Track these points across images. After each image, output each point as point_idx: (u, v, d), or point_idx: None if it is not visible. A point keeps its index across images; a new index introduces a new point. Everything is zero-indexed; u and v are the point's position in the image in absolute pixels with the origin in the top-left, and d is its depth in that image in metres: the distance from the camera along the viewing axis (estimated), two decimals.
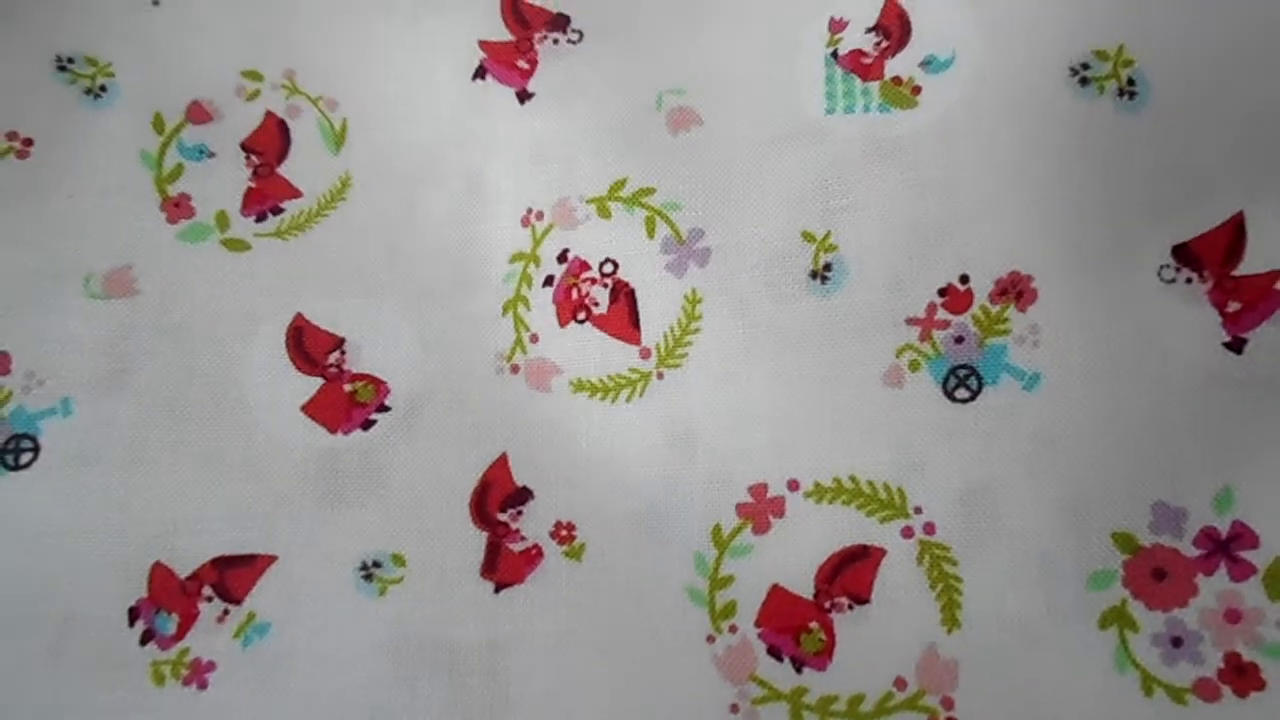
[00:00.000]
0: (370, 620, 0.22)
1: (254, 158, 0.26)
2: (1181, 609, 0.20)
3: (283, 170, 0.26)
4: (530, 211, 0.24)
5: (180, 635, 0.22)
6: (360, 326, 0.25)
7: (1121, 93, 0.21)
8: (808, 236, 0.22)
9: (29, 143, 0.25)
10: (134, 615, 0.23)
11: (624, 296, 0.23)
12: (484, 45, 0.25)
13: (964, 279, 0.21)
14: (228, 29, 0.26)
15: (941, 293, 0.22)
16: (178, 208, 0.26)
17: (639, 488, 0.22)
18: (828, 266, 0.22)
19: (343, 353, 0.24)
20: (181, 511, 0.23)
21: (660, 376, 0.22)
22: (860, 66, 0.22)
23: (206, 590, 0.23)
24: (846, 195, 0.22)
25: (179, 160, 0.26)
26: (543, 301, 0.24)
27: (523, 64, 0.25)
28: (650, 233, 0.23)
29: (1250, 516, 0.20)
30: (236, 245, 0.25)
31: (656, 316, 0.23)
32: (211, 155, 0.26)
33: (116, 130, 0.26)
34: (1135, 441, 0.21)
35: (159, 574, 0.23)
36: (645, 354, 0.23)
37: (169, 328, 0.24)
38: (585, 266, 0.23)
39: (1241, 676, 0.19)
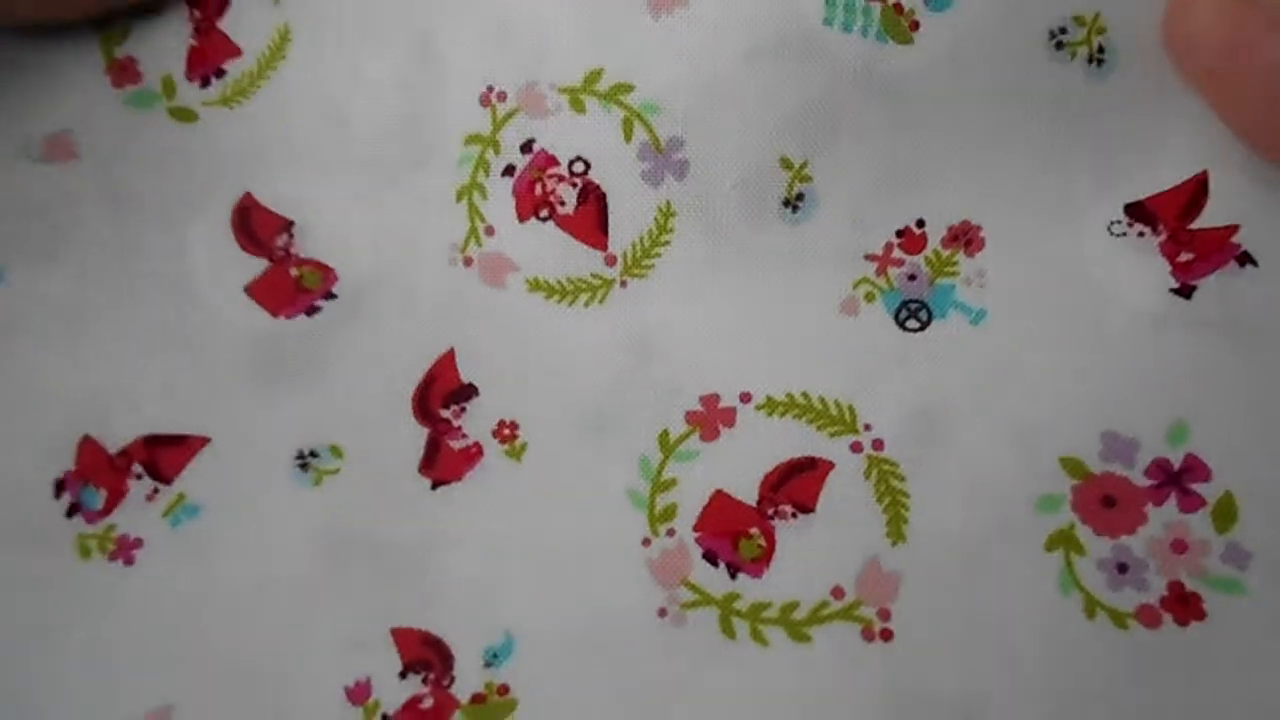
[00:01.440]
0: (303, 510, 0.22)
1: (195, 11, 0.25)
2: (1129, 536, 0.20)
3: (222, 24, 0.25)
4: (491, 90, 0.24)
5: (108, 511, 0.22)
6: (309, 207, 0.24)
7: (1091, 59, 0.22)
8: (785, 163, 0.23)
9: None
10: (60, 487, 0.22)
11: (594, 199, 0.23)
12: None
13: (920, 223, 0.23)
14: None
15: (899, 233, 0.23)
16: (124, 71, 0.25)
17: (588, 391, 0.22)
18: (800, 196, 0.23)
19: (290, 235, 0.24)
20: (114, 386, 0.23)
21: (624, 285, 0.23)
22: None
23: (136, 468, 0.22)
24: (828, 125, 0.23)
25: (127, 21, 0.26)
26: (501, 192, 0.23)
27: None
28: (627, 136, 0.23)
29: (1204, 450, 0.20)
30: (184, 115, 0.25)
31: (626, 224, 0.23)
32: (156, 13, 0.26)
33: None
34: (1082, 376, 0.21)
35: (88, 448, 0.22)
36: (611, 260, 0.23)
37: (110, 198, 0.24)
38: (553, 161, 0.23)
39: (1184, 605, 0.19)
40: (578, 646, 0.20)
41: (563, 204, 0.23)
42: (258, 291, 0.24)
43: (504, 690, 0.20)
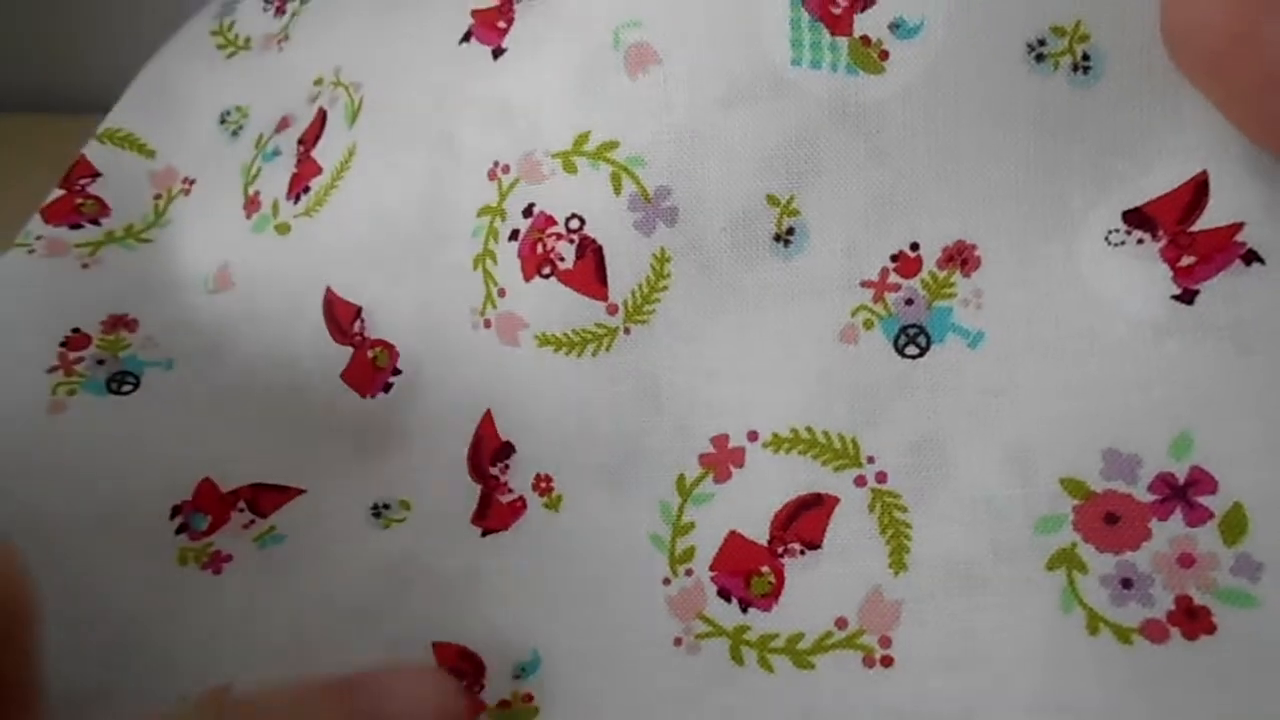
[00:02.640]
0: (371, 543, 0.25)
1: (300, 147, 0.30)
2: (1133, 552, 0.20)
3: (315, 152, 0.30)
4: (497, 165, 0.26)
5: (210, 532, 0.26)
6: (368, 293, 0.28)
7: (1076, 68, 0.22)
8: (772, 200, 0.23)
9: (190, 181, 0.34)
10: (176, 511, 0.26)
11: (591, 252, 0.24)
12: (474, 13, 0.27)
13: (914, 246, 0.23)
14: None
15: (894, 258, 0.23)
16: (252, 204, 0.31)
17: (608, 440, 0.24)
18: (790, 230, 0.23)
19: (362, 321, 0.28)
20: (238, 449, 0.27)
21: (628, 332, 0.24)
22: (829, 16, 0.22)
23: (241, 504, 0.27)
24: (810, 159, 0.23)
25: (260, 164, 0.31)
26: (509, 256, 0.25)
27: (501, 24, 0.26)
28: (617, 189, 0.24)
29: (1210, 462, 0.20)
30: (282, 229, 0.30)
31: (624, 273, 0.24)
32: (278, 154, 0.31)
33: (241, 154, 0.33)
34: (1081, 393, 0.21)
35: (205, 486, 0.27)
36: (613, 310, 0.24)
37: (251, 316, 0.29)
38: (551, 221, 0.25)
39: (1192, 620, 0.20)
40: (598, 665, 0.22)
41: (562, 260, 0.25)
42: (349, 377, 0.28)
43: (528, 698, 0.22)
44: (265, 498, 0.26)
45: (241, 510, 0.26)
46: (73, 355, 0.29)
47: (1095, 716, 0.19)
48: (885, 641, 0.21)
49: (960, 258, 0.23)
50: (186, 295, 0.31)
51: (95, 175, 0.34)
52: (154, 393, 0.28)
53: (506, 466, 0.25)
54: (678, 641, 0.22)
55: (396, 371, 0.27)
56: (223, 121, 0.34)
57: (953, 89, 0.22)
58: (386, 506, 0.26)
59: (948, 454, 0.22)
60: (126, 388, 0.28)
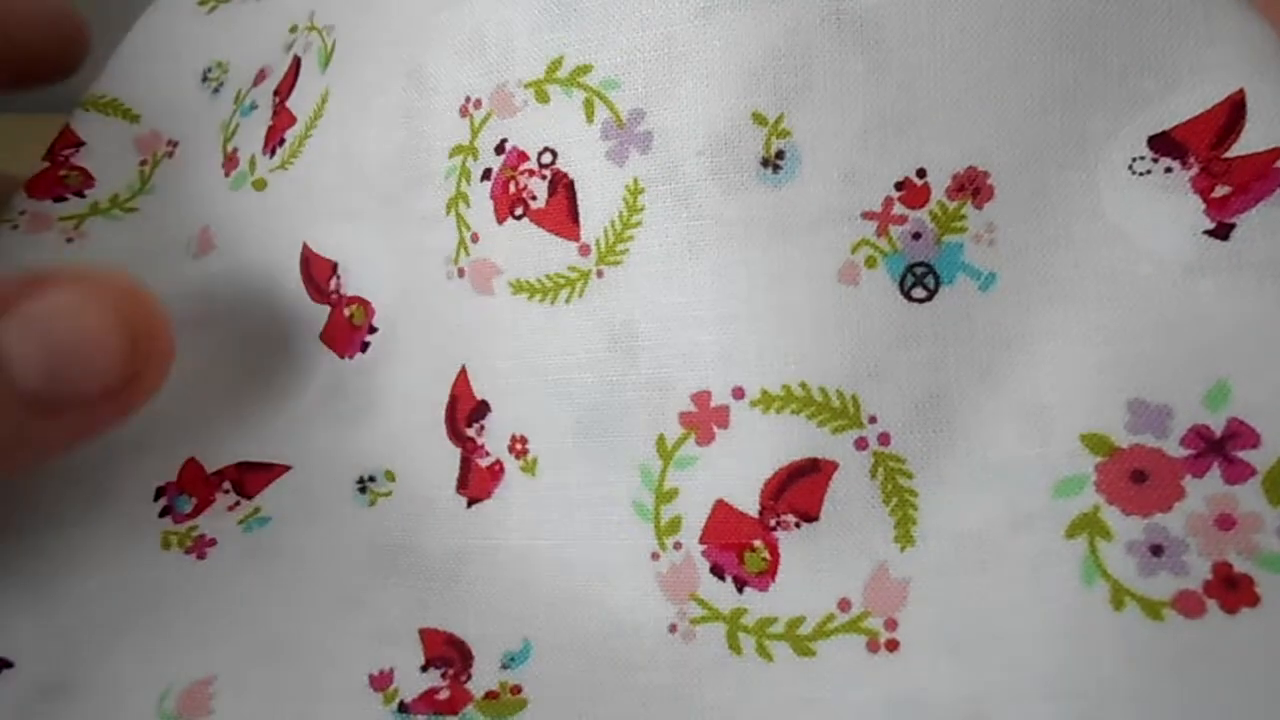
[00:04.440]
0: (356, 525, 0.24)
1: (276, 98, 0.28)
2: (1164, 514, 0.19)
3: (289, 103, 0.28)
4: (469, 100, 0.24)
5: (194, 515, 0.26)
6: (344, 247, 0.26)
7: None
8: (758, 119, 0.21)
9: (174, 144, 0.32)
10: (160, 493, 0.26)
11: (563, 188, 0.22)
12: None
13: (920, 173, 0.21)
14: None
15: (898, 186, 0.21)
16: (230, 161, 0.29)
17: (582, 396, 0.22)
18: (780, 154, 0.21)
19: (338, 277, 0.26)
20: (225, 424, 0.27)
21: (600, 275, 0.22)
22: None
23: (226, 485, 0.26)
24: (801, 73, 0.20)
25: (237, 120, 0.30)
26: (481, 197, 0.23)
27: None
28: (589, 117, 0.22)
29: (1250, 412, 0.19)
30: (259, 185, 0.28)
31: (597, 210, 0.22)
32: (255, 108, 0.29)
33: (221, 111, 0.31)
34: (1102, 340, 0.20)
35: (190, 466, 0.26)
36: (584, 250, 0.22)
37: (235, 279, 0.28)
38: (523, 157, 0.23)
39: (1232, 590, 0.18)
40: (590, 656, 0.21)
41: (534, 198, 0.23)
42: (327, 337, 0.26)
43: (516, 690, 0.21)
44: (251, 478, 0.26)
45: (227, 491, 0.26)
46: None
47: (1122, 702, 0.18)
48: (891, 624, 0.20)
49: (972, 186, 0.20)
50: (172, 263, 0.30)
51: (79, 145, 0.32)
52: None
53: (482, 427, 0.24)
54: (673, 628, 0.21)
55: (373, 329, 0.26)
56: (204, 79, 0.33)
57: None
58: (372, 479, 0.25)
59: (956, 412, 0.20)
60: None
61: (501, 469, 0.23)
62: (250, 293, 0.28)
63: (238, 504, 0.25)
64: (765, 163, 0.21)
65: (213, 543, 0.25)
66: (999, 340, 0.20)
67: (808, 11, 0.20)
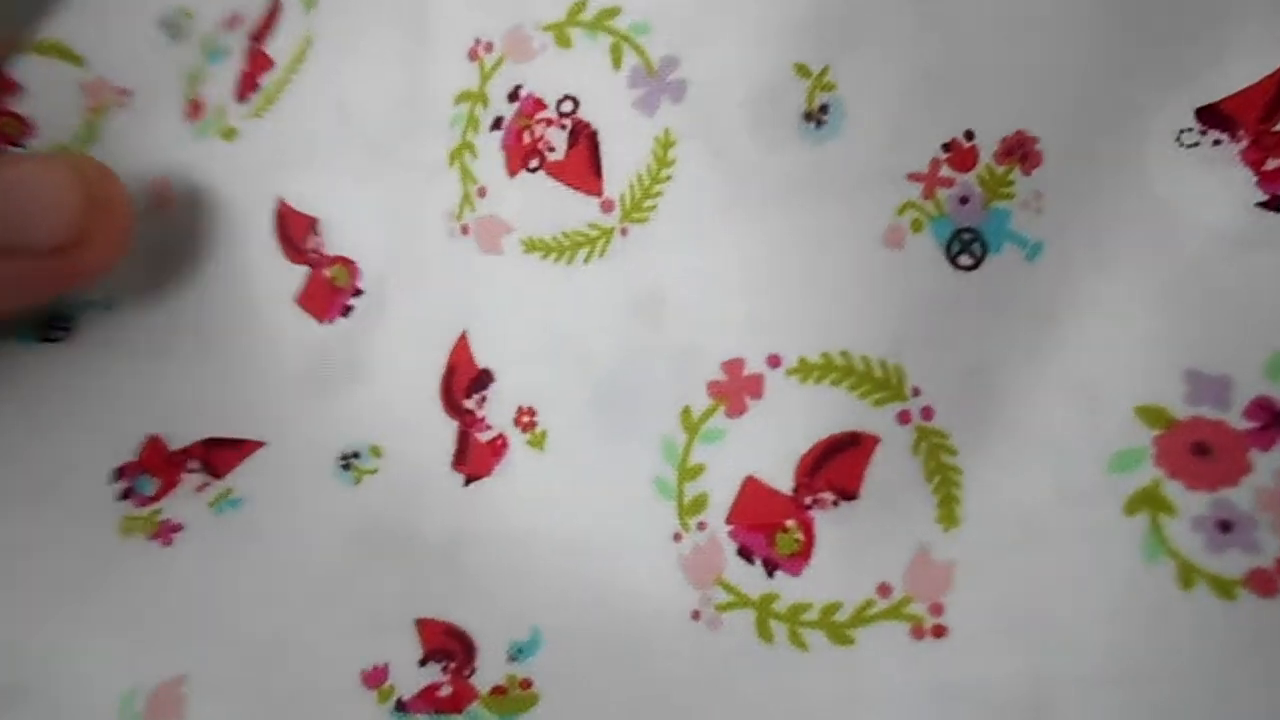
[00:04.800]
0: (342, 507, 0.23)
1: (251, 42, 0.26)
2: (1231, 488, 0.17)
3: (267, 46, 0.26)
4: (479, 43, 0.22)
5: (158, 497, 0.24)
6: (325, 202, 0.24)
7: None
8: (801, 70, 0.20)
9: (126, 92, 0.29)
10: (119, 474, 0.24)
11: (584, 139, 0.21)
12: None
13: (969, 134, 0.20)
14: None
15: (946, 148, 0.20)
16: (195, 109, 0.27)
17: (601, 364, 0.21)
18: (824, 108, 0.20)
19: (318, 235, 0.24)
20: (184, 395, 0.25)
21: (624, 233, 0.21)
22: None
23: (193, 463, 0.24)
24: (849, 23, 0.19)
25: (205, 67, 0.28)
26: (491, 147, 0.22)
27: None
28: (616, 63, 0.21)
29: None
30: (228, 134, 0.26)
31: (622, 162, 0.21)
32: (226, 53, 0.27)
33: (184, 59, 0.28)
34: (1154, 312, 0.19)
35: (152, 445, 0.24)
36: (607, 206, 0.21)
37: (197, 232, 0.26)
38: (540, 105, 0.21)
39: None
40: (606, 646, 0.20)
41: (552, 150, 0.21)
42: (305, 300, 0.25)
43: (526, 684, 0.20)
44: (220, 455, 0.24)
45: (194, 470, 0.24)
46: None
47: (1194, 686, 0.17)
48: (936, 609, 0.18)
49: (1020, 151, 0.19)
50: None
51: (16, 90, 0.29)
52: (92, 338, 0.26)
53: (484, 398, 0.22)
54: (696, 615, 0.20)
55: (358, 292, 0.24)
56: (164, 26, 0.30)
57: None
58: (356, 455, 0.23)
59: (1001, 384, 0.19)
60: (59, 333, 0.26)
61: (505, 443, 0.22)
62: (215, 251, 0.26)
63: (207, 484, 0.23)
64: (808, 117, 0.20)
65: (179, 528, 0.23)
66: (1046, 311, 0.19)
67: None
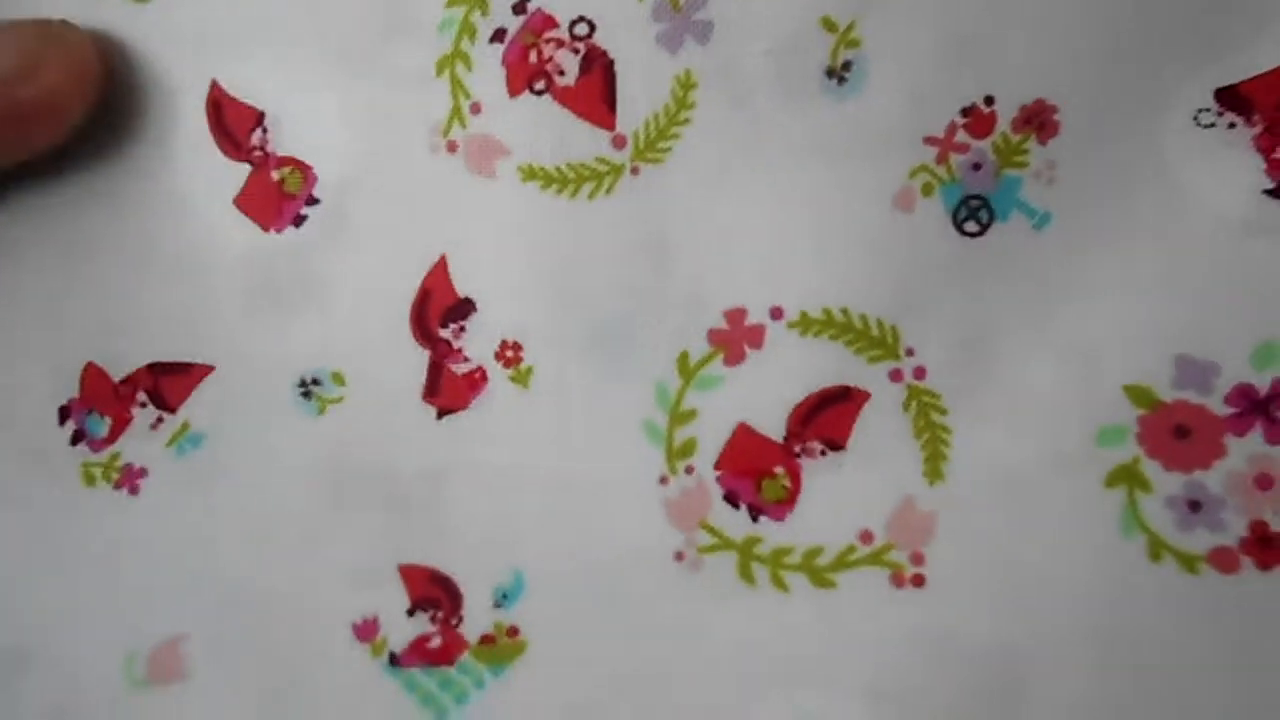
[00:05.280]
0: (307, 440, 0.22)
1: None
2: (1204, 471, 0.19)
3: None
4: None
5: (112, 439, 0.22)
6: (278, 95, 0.22)
7: None
8: (828, 24, 0.20)
9: None
10: (64, 414, 0.23)
11: (599, 68, 0.20)
12: None
13: (989, 100, 0.20)
14: None
15: (964, 112, 0.20)
16: None
17: (597, 303, 0.21)
18: (847, 65, 0.20)
19: (265, 130, 0.22)
20: (116, 312, 0.23)
21: (635, 172, 0.21)
22: None
23: (141, 396, 0.23)
24: None
25: None
26: (489, 61, 0.21)
27: None
28: None
29: None
30: None
31: (638, 98, 0.20)
32: None
33: None
34: (1155, 293, 0.19)
35: (92, 375, 0.23)
36: (619, 142, 0.21)
37: (103, 108, 0.23)
38: (551, 23, 0.21)
39: (1267, 548, 0.18)
40: (590, 589, 0.20)
41: (561, 74, 0.21)
42: (245, 203, 0.22)
43: (513, 632, 0.20)
44: (168, 383, 0.22)
45: (144, 405, 0.22)
46: None
47: (1156, 652, 0.18)
48: (917, 558, 0.19)
49: (1038, 120, 0.20)
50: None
51: None
52: (4, 250, 0.23)
53: (462, 329, 0.21)
54: (679, 556, 0.20)
55: (312, 200, 0.22)
56: None
57: None
58: (316, 382, 0.22)
59: (998, 350, 0.20)
60: None
61: (484, 377, 0.21)
62: (135, 138, 0.23)
63: (160, 420, 0.22)
64: (830, 73, 0.20)
65: (143, 473, 0.22)
66: (1048, 281, 0.20)
67: None
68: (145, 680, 0.21)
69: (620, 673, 0.19)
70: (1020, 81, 0.20)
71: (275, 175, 0.22)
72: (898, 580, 0.19)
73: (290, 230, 0.22)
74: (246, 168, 0.22)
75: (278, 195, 0.22)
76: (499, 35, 0.21)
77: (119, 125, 0.23)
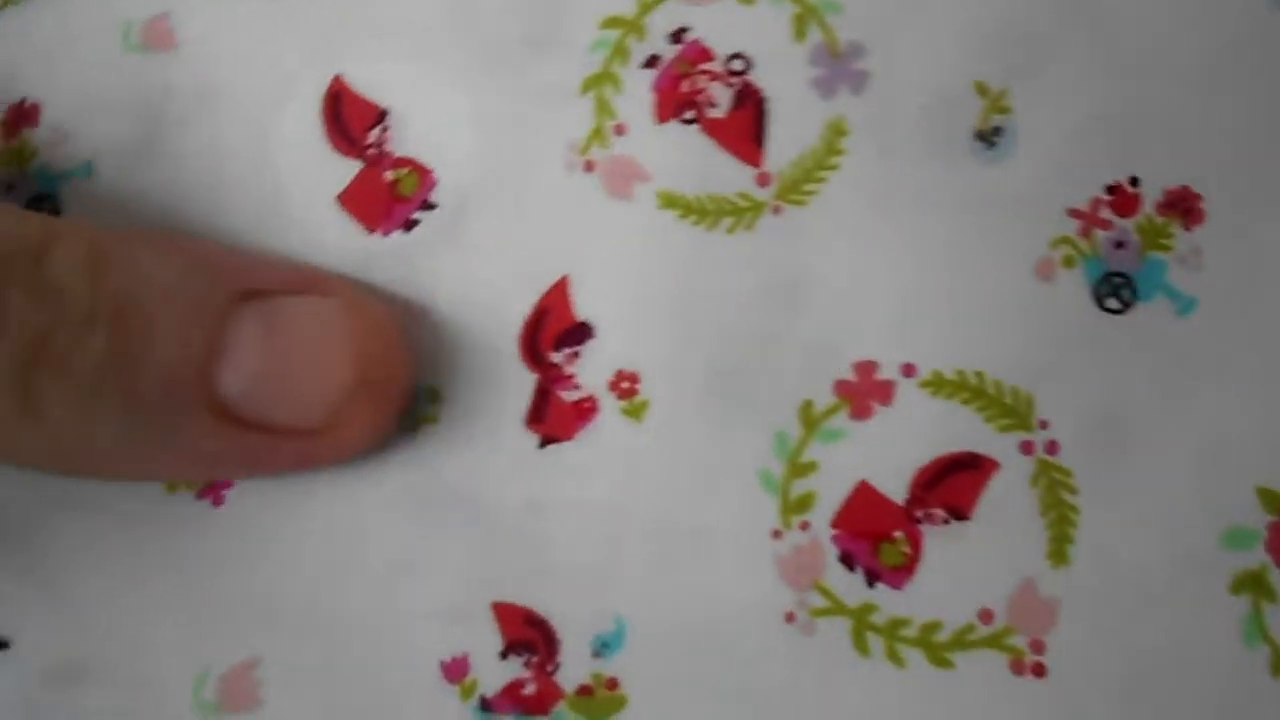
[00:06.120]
0: (400, 458, 0.21)
1: None
2: None
3: None
4: None
5: None
6: (407, 95, 0.22)
7: None
8: (980, 88, 0.20)
9: None
10: None
11: (752, 104, 0.20)
12: None
13: (1134, 180, 0.20)
14: None
15: (1109, 190, 0.20)
16: None
17: (722, 341, 0.20)
18: (996, 130, 0.20)
19: (385, 129, 0.22)
20: None
21: (777, 211, 0.20)
22: None
23: None
24: (1033, 49, 0.20)
25: None
26: (639, 86, 0.21)
27: None
28: (799, 34, 0.20)
29: None
30: None
31: (787, 138, 0.20)
32: None
33: None
34: None
35: None
36: (763, 180, 0.20)
37: (207, 91, 0.22)
38: (707, 55, 0.20)
39: None
40: (694, 644, 0.19)
41: (713, 106, 0.20)
42: (350, 201, 0.21)
43: (613, 684, 0.19)
44: None
45: None
46: None
47: None
48: (1037, 646, 0.19)
49: (1183, 206, 0.20)
50: (98, 53, 0.23)
51: None
52: (76, 216, 0.22)
53: (576, 354, 0.21)
54: (790, 617, 0.19)
55: (427, 205, 0.21)
56: None
57: (1197, 17, 0.19)
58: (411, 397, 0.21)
59: (1133, 433, 0.19)
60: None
61: (594, 407, 0.20)
62: (228, 117, 0.22)
63: None
64: (979, 136, 0.20)
65: (228, 483, 0.21)
66: (1188, 369, 0.19)
67: None
68: (215, 705, 0.19)
69: None
70: (1165, 165, 0.20)
71: (389, 175, 0.21)
72: (1017, 668, 0.18)
73: (398, 234, 0.21)
74: (356, 165, 0.21)
75: (388, 196, 0.21)
76: (652, 61, 0.21)
77: (219, 108, 0.22)
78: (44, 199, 0.22)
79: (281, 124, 0.22)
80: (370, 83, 0.22)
